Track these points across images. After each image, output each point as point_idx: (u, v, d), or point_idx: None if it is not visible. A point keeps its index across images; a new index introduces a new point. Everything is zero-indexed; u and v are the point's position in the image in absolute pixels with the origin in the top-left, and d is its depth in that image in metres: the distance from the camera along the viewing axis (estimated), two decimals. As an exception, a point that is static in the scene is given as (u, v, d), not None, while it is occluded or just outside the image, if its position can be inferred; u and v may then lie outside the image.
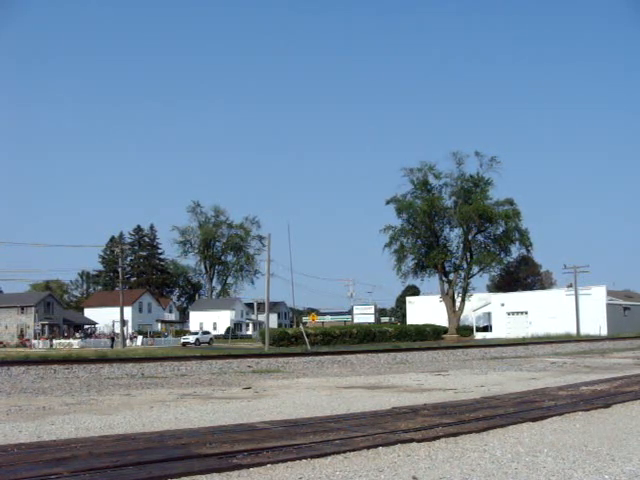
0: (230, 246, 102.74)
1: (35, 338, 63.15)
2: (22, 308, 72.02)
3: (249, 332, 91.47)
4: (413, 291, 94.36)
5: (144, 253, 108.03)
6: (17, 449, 5.15)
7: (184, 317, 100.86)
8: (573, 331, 55.94)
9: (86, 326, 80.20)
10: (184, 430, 6.16)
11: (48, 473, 4.24)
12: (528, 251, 71.81)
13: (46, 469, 4.35)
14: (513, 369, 15.07)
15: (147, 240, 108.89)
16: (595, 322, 56.90)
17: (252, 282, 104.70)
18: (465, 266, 70.30)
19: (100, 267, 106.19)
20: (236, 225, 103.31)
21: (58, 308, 76.83)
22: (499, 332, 65.37)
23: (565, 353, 22.09)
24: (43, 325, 69.35)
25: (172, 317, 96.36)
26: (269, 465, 4.67)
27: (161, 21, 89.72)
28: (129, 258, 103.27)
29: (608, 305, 59.76)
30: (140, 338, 62.03)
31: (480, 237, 70.70)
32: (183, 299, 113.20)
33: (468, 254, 70.33)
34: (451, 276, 71.20)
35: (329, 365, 16.96)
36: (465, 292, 70.22)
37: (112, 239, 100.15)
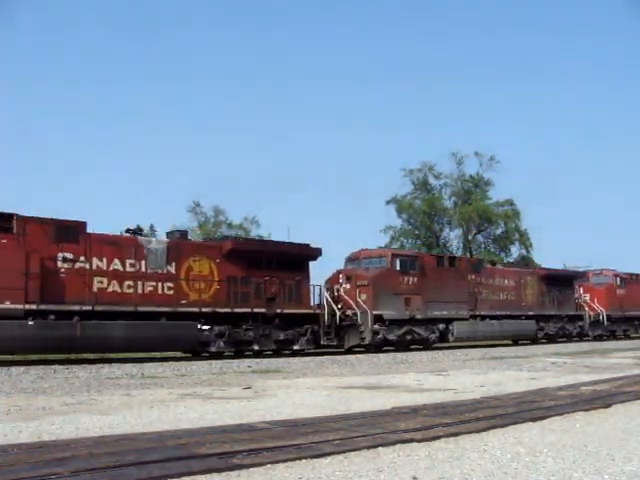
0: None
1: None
2: (22, 308, 71.87)
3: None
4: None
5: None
6: (17, 449, 5.15)
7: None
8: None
9: (86, 326, 79.98)
10: (184, 430, 6.16)
11: (48, 473, 4.25)
12: (528, 251, 71.93)
13: (46, 469, 4.36)
14: (513, 369, 15.09)
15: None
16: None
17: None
18: (465, 266, 70.36)
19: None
20: (236, 225, 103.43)
21: (58, 308, 76.64)
22: (499, 332, 65.24)
23: (565, 353, 22.10)
24: (43, 325, 69.18)
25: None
26: (269, 465, 4.67)
27: (159, 21, 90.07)
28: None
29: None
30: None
31: (480, 237, 70.81)
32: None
33: (468, 254, 70.41)
34: (451, 276, 71.26)
35: (329, 365, 16.97)
36: (465, 292, 70.23)
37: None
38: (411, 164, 66.03)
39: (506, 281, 29.97)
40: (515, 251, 71.55)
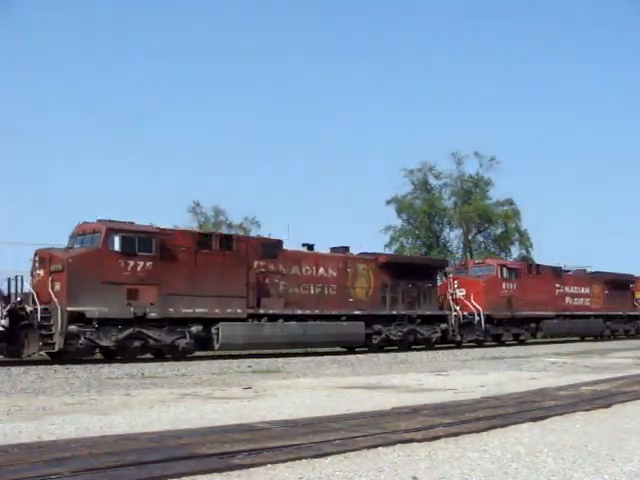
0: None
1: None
2: (22, 308, 71.74)
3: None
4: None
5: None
6: (17, 449, 5.15)
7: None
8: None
9: (86, 326, 79.81)
10: (184, 430, 6.16)
11: (48, 473, 4.25)
12: (528, 251, 71.95)
13: (46, 469, 4.36)
14: (513, 369, 15.10)
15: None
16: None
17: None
18: (465, 266, 70.31)
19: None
20: (236, 225, 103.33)
21: (58, 308, 76.48)
22: (498, 332, 65.05)
23: (565, 353, 22.12)
24: (43, 325, 69.02)
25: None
26: (269, 465, 4.68)
27: (159, 22, 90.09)
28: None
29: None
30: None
31: (480, 237, 70.86)
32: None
33: (468, 254, 70.41)
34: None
35: (329, 365, 16.97)
36: (465, 292, 70.14)
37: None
38: (411, 164, 65.83)
39: (322, 270, 22.23)
40: (515, 251, 71.61)
